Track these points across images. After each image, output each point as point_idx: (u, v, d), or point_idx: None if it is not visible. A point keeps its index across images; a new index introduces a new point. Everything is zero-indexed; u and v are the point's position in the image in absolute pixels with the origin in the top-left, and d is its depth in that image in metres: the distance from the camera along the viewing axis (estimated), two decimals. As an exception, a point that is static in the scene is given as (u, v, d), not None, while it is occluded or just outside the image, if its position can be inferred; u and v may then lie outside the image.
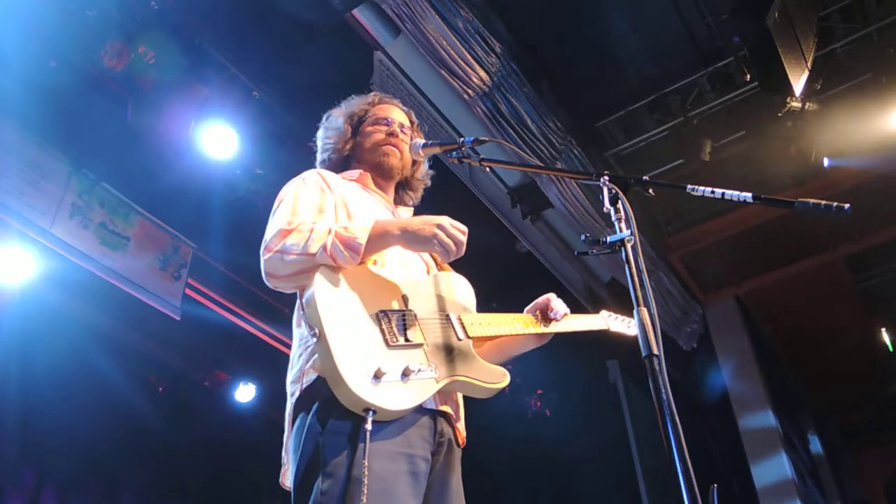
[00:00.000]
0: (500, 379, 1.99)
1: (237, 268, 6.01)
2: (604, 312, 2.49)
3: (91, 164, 4.92)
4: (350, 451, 1.69)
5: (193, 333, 6.10)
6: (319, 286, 1.77)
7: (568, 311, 2.27)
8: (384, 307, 1.85)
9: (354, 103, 2.41)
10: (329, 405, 1.73)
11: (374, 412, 1.68)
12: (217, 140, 4.65)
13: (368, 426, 1.66)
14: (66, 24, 4.02)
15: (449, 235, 1.86)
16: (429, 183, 2.47)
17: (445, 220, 1.90)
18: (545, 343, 2.29)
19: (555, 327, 2.24)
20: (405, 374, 1.75)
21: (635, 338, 2.51)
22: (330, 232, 1.82)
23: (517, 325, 2.16)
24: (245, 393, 6.81)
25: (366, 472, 1.62)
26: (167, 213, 5.42)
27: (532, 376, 7.67)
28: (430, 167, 2.47)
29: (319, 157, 2.38)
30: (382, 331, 1.80)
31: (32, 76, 4.11)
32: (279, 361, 1.99)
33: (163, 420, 6.15)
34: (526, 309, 2.26)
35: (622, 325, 2.48)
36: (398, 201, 2.39)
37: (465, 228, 1.91)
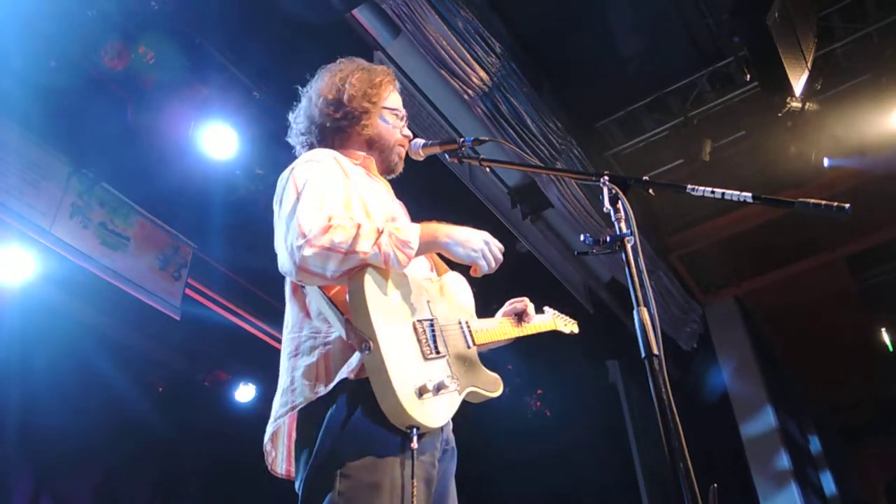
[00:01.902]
0: (497, 387, 2.01)
1: (237, 268, 6.01)
2: (548, 310, 2.51)
3: (91, 164, 4.91)
4: (372, 458, 1.66)
5: (193, 333, 6.09)
6: (371, 292, 1.72)
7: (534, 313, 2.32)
8: (419, 316, 1.85)
9: (377, 80, 2.22)
10: (351, 407, 1.71)
11: (418, 429, 1.67)
12: (217, 140, 4.64)
13: (415, 445, 1.65)
14: (66, 24, 4.02)
15: (491, 252, 1.90)
16: None
17: (489, 236, 1.93)
18: (510, 343, 2.31)
19: (528, 330, 2.28)
20: (439, 388, 1.73)
21: (571, 334, 2.54)
22: (380, 232, 1.75)
23: (503, 332, 2.20)
24: (245, 393, 6.81)
25: (414, 493, 1.62)
26: (167, 213, 5.42)
27: (532, 376, 7.67)
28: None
29: (337, 115, 2.17)
30: (419, 341, 1.80)
31: (32, 76, 4.10)
32: (279, 361, 1.96)
33: (163, 420, 6.15)
34: (502, 312, 2.29)
35: (560, 322, 2.52)
36: None
37: (502, 247, 1.95)
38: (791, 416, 8.66)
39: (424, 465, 1.75)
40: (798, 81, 4.99)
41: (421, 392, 1.68)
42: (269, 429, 1.88)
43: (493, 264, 1.89)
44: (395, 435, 1.68)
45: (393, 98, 2.27)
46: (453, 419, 2.04)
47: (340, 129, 2.19)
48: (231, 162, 4.84)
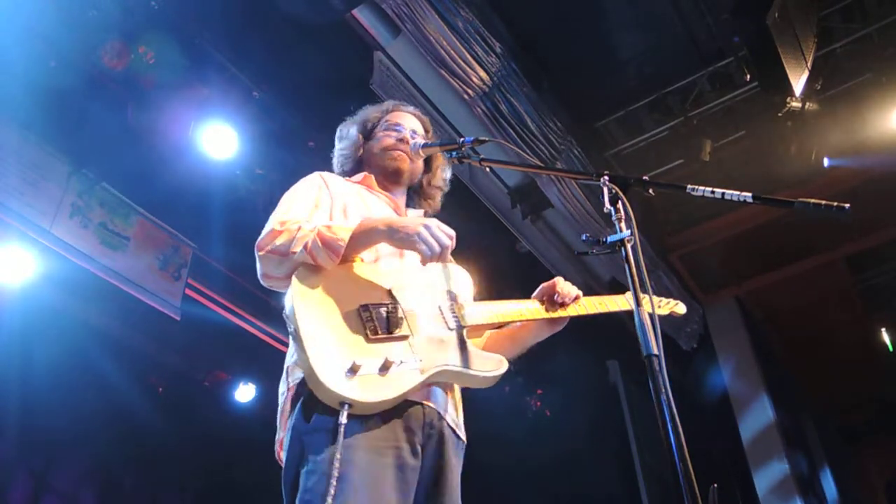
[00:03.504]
0: (495, 367, 1.95)
1: (237, 268, 6.01)
2: (629, 294, 2.44)
3: (91, 164, 4.92)
4: (331, 447, 1.69)
5: (193, 333, 6.10)
6: (297, 286, 1.79)
7: (580, 293, 2.19)
8: (368, 301, 1.84)
9: (369, 111, 2.44)
10: (311, 402, 1.75)
11: (350, 405, 1.67)
12: (217, 140, 4.65)
13: (343, 419, 1.65)
14: (66, 24, 4.02)
15: (433, 235, 1.82)
16: (446, 189, 2.46)
17: (433, 222, 1.87)
18: (560, 330, 2.23)
19: (565, 312, 2.16)
20: (384, 367, 1.73)
21: (672, 315, 2.44)
22: (314, 230, 1.83)
23: (519, 313, 2.11)
24: (245, 393, 6.81)
25: (337, 466, 1.62)
26: (167, 213, 5.42)
27: (532, 376, 7.67)
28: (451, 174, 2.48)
29: (336, 169, 2.40)
30: (364, 325, 1.79)
31: (32, 76, 4.11)
32: (279, 361, 1.99)
33: (163, 420, 6.15)
34: (533, 295, 2.20)
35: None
36: (411, 206, 2.38)
37: (452, 233, 1.87)
38: (791, 416, 8.66)
39: (401, 451, 1.76)
40: (798, 81, 4.98)
41: (353, 370, 1.69)
42: (276, 441, 1.95)
43: (437, 247, 1.81)
44: (351, 422, 1.69)
45: (392, 117, 2.40)
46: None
47: (344, 171, 2.38)
48: (231, 162, 4.84)
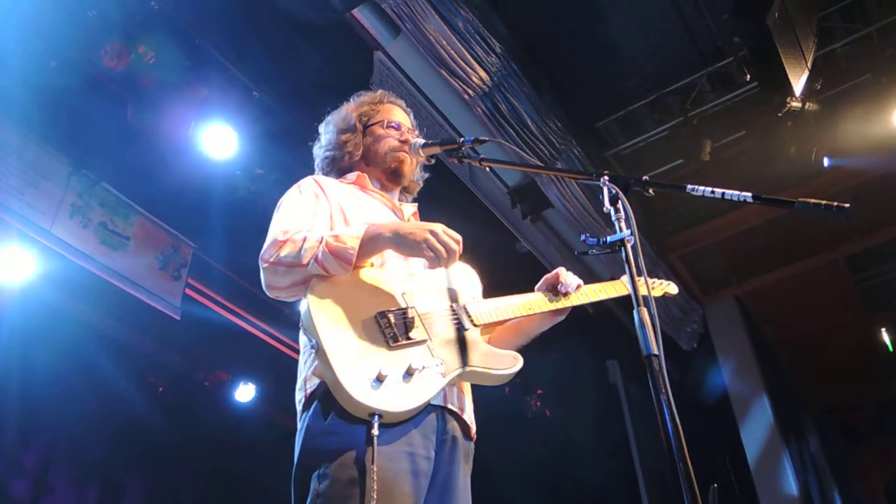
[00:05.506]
0: (511, 364, 1.96)
1: (237, 268, 6.01)
2: (625, 278, 2.43)
3: (91, 164, 4.92)
4: (347, 454, 1.68)
5: (193, 333, 6.10)
6: (313, 298, 1.78)
7: (581, 282, 2.21)
8: (383, 308, 1.84)
9: (363, 101, 2.39)
10: (327, 404, 1.75)
11: (381, 416, 1.67)
12: (217, 140, 4.65)
13: (375, 431, 1.65)
14: (66, 24, 4.02)
15: (440, 241, 1.83)
16: (421, 184, 2.46)
17: (439, 227, 1.87)
18: (562, 319, 2.24)
19: (569, 301, 2.18)
20: (408, 373, 1.74)
21: (665, 297, 2.45)
22: (321, 241, 1.81)
23: (527, 307, 2.12)
24: (245, 393, 6.81)
25: (375, 479, 1.62)
26: (167, 213, 5.43)
27: (532, 376, 7.67)
28: (424, 168, 2.45)
29: (325, 153, 2.33)
30: (383, 332, 1.79)
31: (32, 76, 4.11)
32: (279, 361, 2.00)
33: (163, 420, 6.15)
34: (536, 287, 2.21)
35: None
36: (402, 200, 2.38)
37: (458, 237, 1.88)
38: (791, 416, 8.66)
39: (416, 457, 1.75)
40: (798, 81, 4.98)
41: (378, 379, 1.68)
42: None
43: (444, 254, 1.82)
44: (366, 429, 1.68)
45: (385, 112, 2.36)
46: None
47: (337, 159, 2.31)
48: (231, 162, 4.84)
